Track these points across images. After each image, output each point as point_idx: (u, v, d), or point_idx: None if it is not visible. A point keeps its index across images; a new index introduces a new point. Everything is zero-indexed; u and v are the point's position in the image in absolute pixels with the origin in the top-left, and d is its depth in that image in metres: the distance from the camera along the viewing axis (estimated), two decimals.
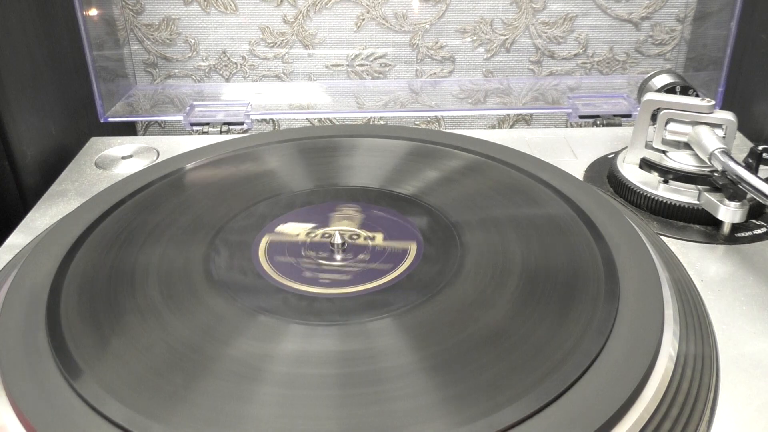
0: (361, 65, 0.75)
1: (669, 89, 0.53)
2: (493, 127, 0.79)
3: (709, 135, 0.46)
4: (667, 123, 0.48)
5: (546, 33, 0.73)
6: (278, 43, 0.73)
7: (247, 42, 0.73)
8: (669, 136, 0.48)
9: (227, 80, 0.76)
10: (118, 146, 0.60)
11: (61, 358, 0.31)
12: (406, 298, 0.35)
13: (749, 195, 0.44)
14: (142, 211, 0.44)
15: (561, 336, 0.32)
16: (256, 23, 0.73)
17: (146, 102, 0.72)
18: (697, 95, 0.50)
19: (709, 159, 0.45)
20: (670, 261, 0.41)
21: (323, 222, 0.43)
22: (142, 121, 0.78)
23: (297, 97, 0.73)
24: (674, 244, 0.44)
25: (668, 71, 0.54)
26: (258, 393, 0.29)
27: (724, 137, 0.46)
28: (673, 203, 0.46)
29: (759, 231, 0.45)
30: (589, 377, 0.29)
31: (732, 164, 0.43)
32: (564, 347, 0.31)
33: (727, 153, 0.44)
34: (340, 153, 0.52)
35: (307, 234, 0.41)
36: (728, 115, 0.46)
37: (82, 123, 0.66)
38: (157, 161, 0.57)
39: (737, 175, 0.42)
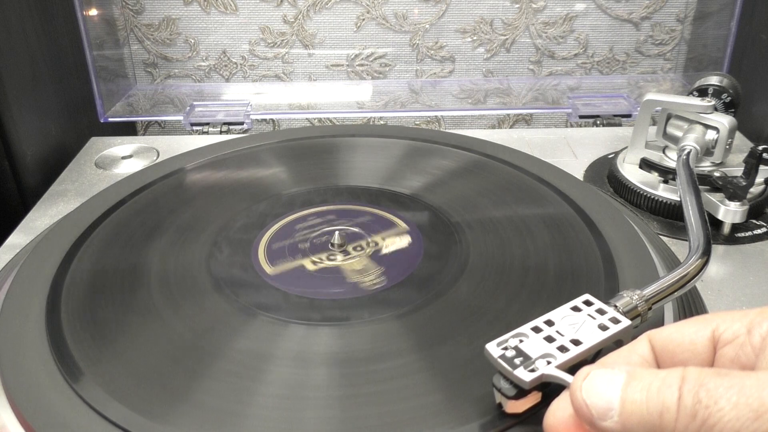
0: (361, 65, 0.75)
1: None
2: (493, 127, 0.79)
3: (694, 134, 0.46)
4: (667, 120, 0.49)
5: (546, 33, 0.73)
6: (278, 43, 0.73)
7: (247, 42, 0.73)
8: (669, 130, 0.49)
9: (227, 80, 0.76)
10: (118, 146, 0.60)
11: (62, 358, 0.31)
12: (406, 297, 0.35)
13: (749, 195, 0.44)
14: (142, 211, 0.44)
15: None
16: (256, 23, 0.73)
17: (146, 102, 0.72)
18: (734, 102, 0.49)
19: (678, 153, 0.45)
20: (670, 261, 0.41)
21: (323, 222, 0.43)
22: (142, 121, 0.78)
23: (297, 97, 0.73)
24: (674, 244, 0.44)
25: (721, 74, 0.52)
26: (258, 393, 0.29)
27: (715, 140, 0.46)
28: (673, 203, 0.46)
29: (759, 231, 0.45)
30: None
31: (683, 166, 0.43)
32: None
33: (694, 154, 0.44)
34: (340, 153, 0.52)
35: (308, 234, 0.41)
36: (725, 119, 0.46)
37: (82, 123, 0.66)
38: (157, 161, 0.57)
39: (678, 178, 0.43)
